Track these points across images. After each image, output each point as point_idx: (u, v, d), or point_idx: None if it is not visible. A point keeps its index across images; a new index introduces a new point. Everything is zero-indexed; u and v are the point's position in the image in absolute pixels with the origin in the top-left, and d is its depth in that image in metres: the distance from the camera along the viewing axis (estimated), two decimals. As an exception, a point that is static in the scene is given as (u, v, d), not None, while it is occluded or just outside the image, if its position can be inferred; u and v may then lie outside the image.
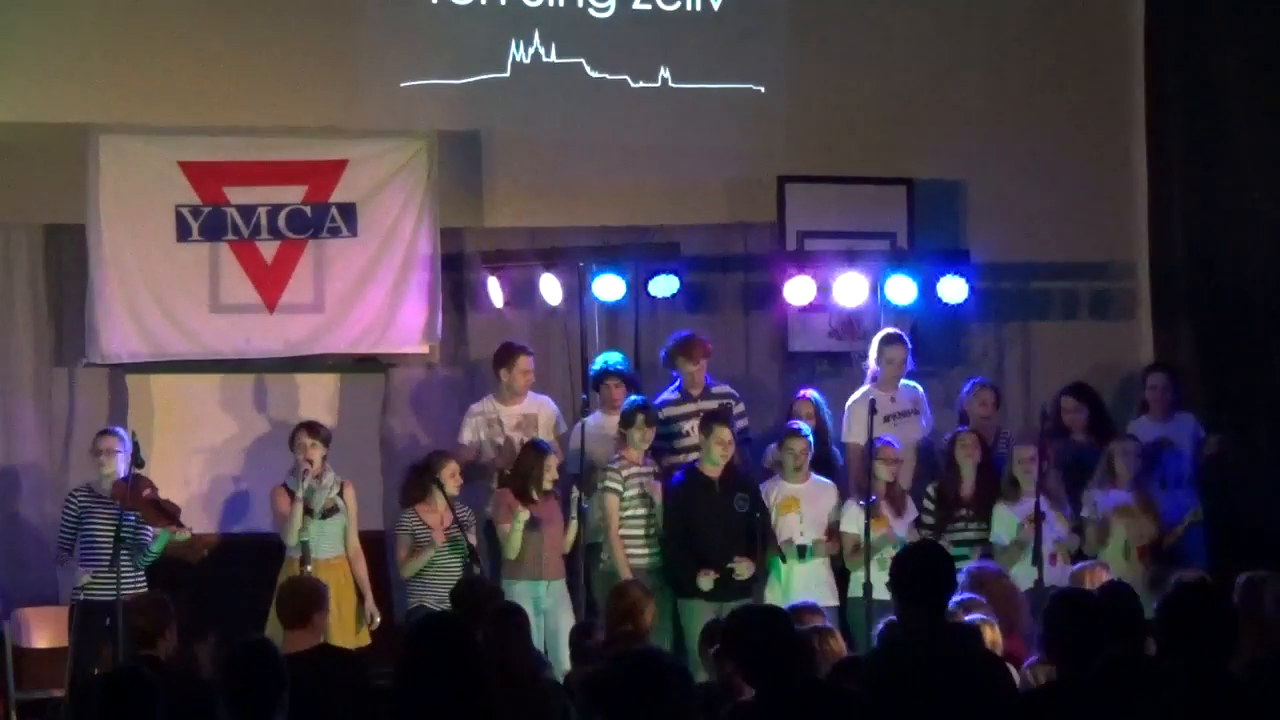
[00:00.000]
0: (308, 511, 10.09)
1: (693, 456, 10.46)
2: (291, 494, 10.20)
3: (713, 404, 10.65)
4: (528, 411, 10.80)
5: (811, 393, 10.93)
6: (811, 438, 10.37)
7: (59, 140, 11.01)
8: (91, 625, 9.64)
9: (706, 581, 9.90)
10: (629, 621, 8.02)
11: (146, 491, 9.95)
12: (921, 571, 6.07)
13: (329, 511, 10.21)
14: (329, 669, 7.15)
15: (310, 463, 10.18)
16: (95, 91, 11.26)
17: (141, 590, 9.67)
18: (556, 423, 10.85)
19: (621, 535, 10.24)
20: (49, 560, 10.01)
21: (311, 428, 10.40)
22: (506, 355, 10.79)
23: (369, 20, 11.70)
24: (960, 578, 8.80)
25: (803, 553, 10.18)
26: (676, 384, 10.82)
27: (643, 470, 10.33)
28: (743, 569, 9.92)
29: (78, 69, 11.27)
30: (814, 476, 10.38)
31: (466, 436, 10.79)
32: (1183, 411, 11.12)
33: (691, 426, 10.59)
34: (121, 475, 9.95)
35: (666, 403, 10.80)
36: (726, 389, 10.87)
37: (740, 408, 10.81)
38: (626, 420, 10.30)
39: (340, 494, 10.31)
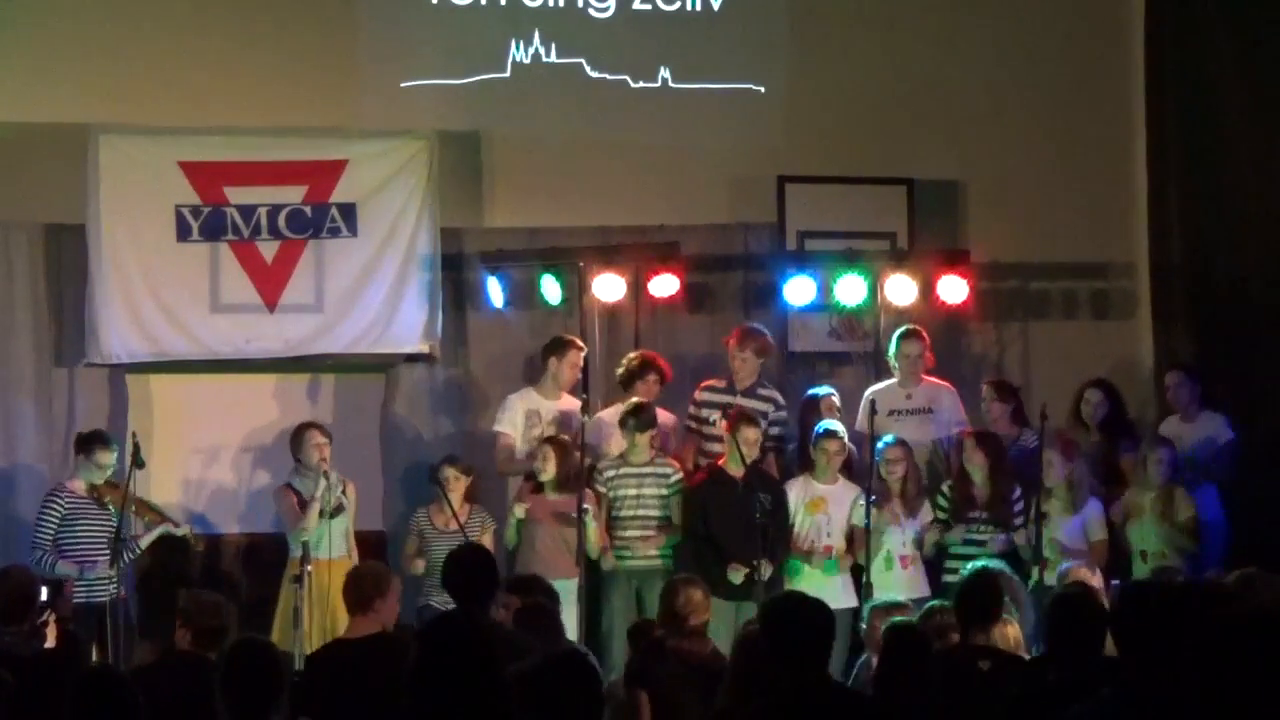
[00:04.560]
0: (320, 512, 10.11)
1: (715, 447, 10.46)
2: (298, 493, 10.21)
3: (750, 403, 10.57)
4: (565, 409, 10.76)
5: (827, 391, 10.87)
6: (846, 438, 10.34)
7: (59, 140, 11.03)
8: (85, 627, 9.58)
9: (737, 575, 9.85)
10: (698, 616, 7.94)
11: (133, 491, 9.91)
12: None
13: (335, 511, 10.22)
14: (384, 656, 7.13)
15: (325, 462, 10.19)
16: (95, 91, 11.27)
17: (121, 589, 9.69)
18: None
19: (618, 534, 10.21)
20: (44, 565, 9.84)
21: (319, 426, 10.43)
22: (560, 346, 10.76)
23: (369, 20, 11.71)
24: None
25: (830, 552, 10.13)
26: (727, 375, 10.82)
27: (640, 472, 10.27)
28: (766, 569, 9.72)
29: (78, 69, 11.28)
30: (843, 479, 10.33)
31: (507, 428, 10.73)
32: (1210, 411, 11.07)
33: (717, 416, 10.56)
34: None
35: (707, 388, 10.81)
36: (771, 393, 10.79)
37: (781, 414, 10.77)
38: (623, 420, 10.29)
39: (344, 493, 10.33)
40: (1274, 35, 11.86)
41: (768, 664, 5.72)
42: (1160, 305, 12.30)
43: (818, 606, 5.85)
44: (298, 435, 10.43)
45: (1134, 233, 12.41)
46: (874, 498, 9.99)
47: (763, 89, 12.11)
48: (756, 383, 10.78)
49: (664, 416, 10.59)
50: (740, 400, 10.62)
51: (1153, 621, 5.03)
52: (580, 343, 10.86)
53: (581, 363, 10.77)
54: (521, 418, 10.72)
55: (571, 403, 10.71)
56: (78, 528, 9.93)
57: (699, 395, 10.82)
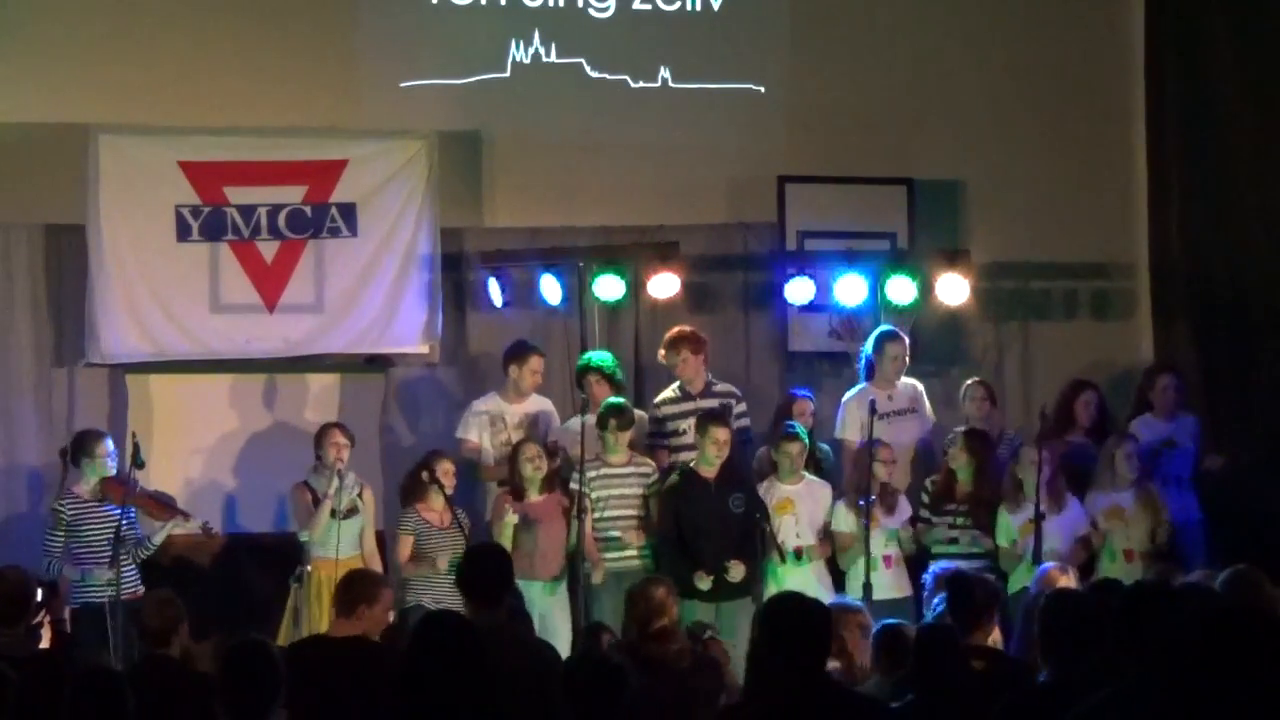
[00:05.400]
0: (332, 511, 10.11)
1: (688, 456, 10.42)
2: (313, 491, 10.22)
3: (712, 403, 10.62)
4: (530, 411, 10.78)
5: (805, 394, 10.90)
6: (807, 439, 10.35)
7: (59, 140, 11.03)
8: (92, 628, 9.61)
9: (705, 582, 9.85)
10: (662, 617, 7.91)
11: (139, 487, 9.92)
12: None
13: (350, 512, 10.22)
14: (357, 660, 7.17)
15: (342, 462, 10.19)
16: (95, 91, 11.28)
17: (136, 589, 9.68)
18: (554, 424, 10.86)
19: (605, 535, 10.18)
20: (51, 571, 9.84)
21: (342, 427, 10.42)
22: (520, 352, 10.76)
23: (369, 20, 11.72)
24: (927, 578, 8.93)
25: (799, 554, 10.15)
26: (677, 381, 10.80)
27: (622, 472, 10.25)
28: (735, 571, 9.86)
29: (78, 69, 11.29)
30: (808, 477, 10.35)
31: (471, 435, 10.75)
32: (1185, 413, 11.10)
33: (688, 425, 10.54)
34: (111, 475, 9.97)
35: (665, 401, 10.80)
36: (728, 388, 10.83)
37: (741, 407, 10.77)
38: (601, 423, 10.25)
39: (360, 495, 10.33)
40: (1274, 35, 11.88)
41: (768, 664, 5.71)
42: (1160, 305, 12.30)
43: (818, 606, 5.86)
44: (321, 434, 10.40)
45: (1134, 233, 12.41)
46: (873, 497, 10.00)
47: (763, 89, 12.11)
48: (709, 381, 10.78)
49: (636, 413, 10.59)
50: (701, 403, 10.62)
51: (1151, 622, 5.03)
52: (540, 349, 10.85)
53: (542, 368, 10.76)
54: (486, 428, 10.72)
55: (538, 404, 10.78)
56: (85, 531, 9.91)
57: (658, 411, 10.78)
